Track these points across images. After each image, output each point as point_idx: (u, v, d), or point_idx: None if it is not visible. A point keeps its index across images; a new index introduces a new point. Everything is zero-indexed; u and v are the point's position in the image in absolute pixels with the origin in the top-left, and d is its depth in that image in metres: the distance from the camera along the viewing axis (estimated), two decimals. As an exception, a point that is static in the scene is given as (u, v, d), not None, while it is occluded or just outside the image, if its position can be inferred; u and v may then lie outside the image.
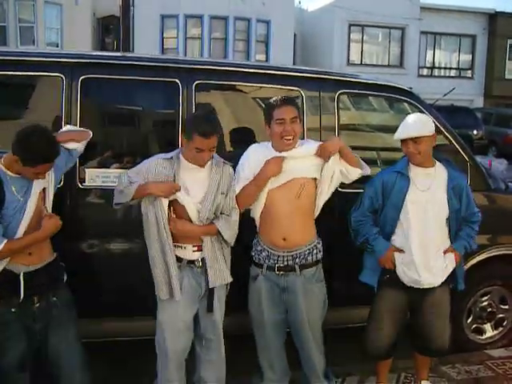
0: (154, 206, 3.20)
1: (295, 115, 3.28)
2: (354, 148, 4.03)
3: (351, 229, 3.61)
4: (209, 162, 3.25)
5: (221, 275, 3.30)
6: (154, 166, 3.24)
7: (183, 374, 3.36)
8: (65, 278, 3.15)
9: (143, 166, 3.28)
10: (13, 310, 2.89)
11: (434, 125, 3.50)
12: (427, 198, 3.43)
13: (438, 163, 3.54)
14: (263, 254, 3.40)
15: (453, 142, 4.37)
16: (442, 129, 4.35)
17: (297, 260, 3.36)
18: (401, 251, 3.47)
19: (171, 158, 3.26)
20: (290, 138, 3.26)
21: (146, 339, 3.49)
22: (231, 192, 3.32)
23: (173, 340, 3.24)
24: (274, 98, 3.34)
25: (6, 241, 2.77)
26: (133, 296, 3.63)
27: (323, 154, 3.35)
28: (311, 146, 3.42)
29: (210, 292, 3.29)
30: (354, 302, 4.03)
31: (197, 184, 3.25)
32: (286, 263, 3.36)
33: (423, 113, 4.28)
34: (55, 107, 3.59)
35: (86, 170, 3.62)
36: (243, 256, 3.48)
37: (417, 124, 3.44)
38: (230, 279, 3.37)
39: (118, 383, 3.87)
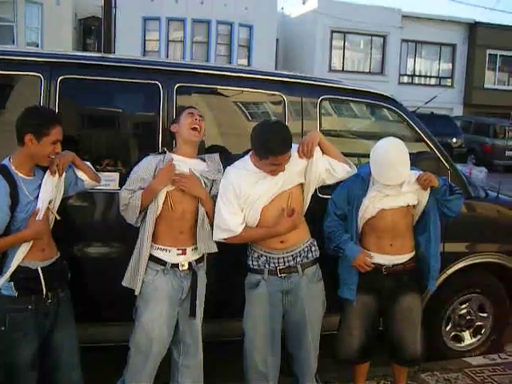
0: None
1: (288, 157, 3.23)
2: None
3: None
4: (200, 157, 3.38)
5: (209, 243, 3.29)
6: (147, 164, 3.25)
7: (153, 378, 3.32)
8: (69, 276, 3.16)
9: (138, 171, 3.26)
10: (29, 307, 2.89)
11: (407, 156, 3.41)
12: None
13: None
14: (262, 259, 3.35)
15: (434, 149, 4.37)
16: (423, 136, 4.35)
17: (298, 259, 3.35)
18: (370, 257, 3.48)
19: (162, 153, 3.32)
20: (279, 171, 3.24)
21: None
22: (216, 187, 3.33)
23: (152, 342, 3.20)
24: (269, 139, 3.16)
25: None
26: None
27: (305, 151, 3.33)
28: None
29: (193, 296, 3.25)
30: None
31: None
32: (287, 264, 3.33)
33: (405, 120, 4.29)
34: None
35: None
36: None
37: (400, 171, 3.37)
38: (215, 249, 3.31)
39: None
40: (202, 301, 3.37)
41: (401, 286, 3.54)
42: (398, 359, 3.73)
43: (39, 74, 3.53)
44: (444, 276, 4.33)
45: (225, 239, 3.30)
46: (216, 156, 3.42)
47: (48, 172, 2.98)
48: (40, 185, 2.94)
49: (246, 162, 3.35)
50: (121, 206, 3.23)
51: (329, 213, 3.59)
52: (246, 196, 3.27)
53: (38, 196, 2.92)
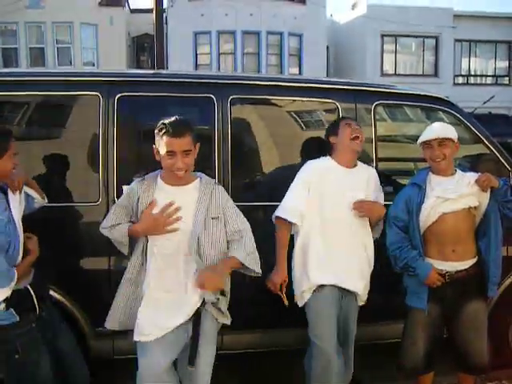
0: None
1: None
2: (391, 159, 4.00)
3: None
4: (195, 183, 2.97)
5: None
6: (129, 191, 3.01)
7: None
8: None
9: (123, 197, 3.08)
10: (33, 325, 2.92)
11: (457, 135, 3.47)
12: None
13: (459, 171, 3.52)
14: None
15: (493, 150, 4.28)
16: (481, 138, 4.26)
17: None
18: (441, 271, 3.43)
19: (143, 179, 3.01)
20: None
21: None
22: (229, 213, 2.97)
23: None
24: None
25: (16, 271, 2.80)
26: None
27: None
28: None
29: (194, 343, 2.90)
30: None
31: (181, 209, 2.90)
32: None
33: (462, 122, 4.22)
34: (93, 126, 3.64)
35: (124, 186, 3.65)
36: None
37: (442, 126, 3.51)
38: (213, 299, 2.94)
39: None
40: (211, 341, 3.00)
41: (465, 292, 3.46)
42: (466, 367, 3.63)
43: (98, 93, 3.65)
44: (509, 280, 4.20)
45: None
46: (202, 180, 3.01)
47: (10, 192, 2.91)
48: (7, 206, 2.87)
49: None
50: (105, 227, 3.05)
51: (390, 228, 3.55)
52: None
53: (9, 217, 2.83)
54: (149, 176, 3.02)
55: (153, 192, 2.94)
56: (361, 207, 3.48)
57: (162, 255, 2.91)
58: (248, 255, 2.92)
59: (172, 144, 2.78)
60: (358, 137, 3.52)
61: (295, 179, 3.53)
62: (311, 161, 3.62)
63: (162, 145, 2.80)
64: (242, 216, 3.03)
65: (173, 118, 2.86)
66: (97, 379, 3.83)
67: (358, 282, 3.56)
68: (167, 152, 2.78)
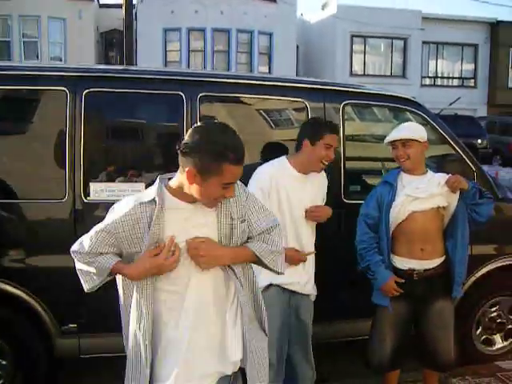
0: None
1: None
2: (359, 159, 4.05)
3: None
4: None
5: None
6: (132, 222, 2.16)
7: None
8: None
9: (116, 221, 2.21)
10: None
11: (426, 134, 3.51)
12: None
13: (430, 171, 3.57)
14: None
15: (459, 151, 4.35)
16: (447, 138, 4.33)
17: None
18: (400, 280, 3.46)
19: (153, 199, 2.14)
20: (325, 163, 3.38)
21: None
22: (251, 212, 2.30)
23: None
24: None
25: None
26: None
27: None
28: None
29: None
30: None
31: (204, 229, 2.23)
32: None
33: (429, 122, 4.28)
34: (59, 121, 3.59)
35: (91, 183, 3.61)
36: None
37: (408, 127, 3.55)
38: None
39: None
40: None
41: (433, 290, 3.50)
42: (433, 365, 3.67)
43: (65, 88, 3.60)
44: (472, 279, 4.29)
45: None
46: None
47: None
48: None
49: (284, 163, 3.43)
50: (78, 256, 2.31)
51: (360, 226, 3.57)
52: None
53: None
54: (153, 192, 2.20)
55: (163, 215, 2.16)
56: (313, 215, 3.41)
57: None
58: (269, 252, 2.30)
59: (237, 174, 2.10)
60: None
61: (252, 188, 3.13)
62: (264, 165, 3.42)
63: (218, 173, 2.05)
64: (265, 209, 2.38)
65: (227, 134, 2.10)
66: (84, 379, 3.75)
67: (309, 284, 3.48)
68: (227, 183, 2.10)
